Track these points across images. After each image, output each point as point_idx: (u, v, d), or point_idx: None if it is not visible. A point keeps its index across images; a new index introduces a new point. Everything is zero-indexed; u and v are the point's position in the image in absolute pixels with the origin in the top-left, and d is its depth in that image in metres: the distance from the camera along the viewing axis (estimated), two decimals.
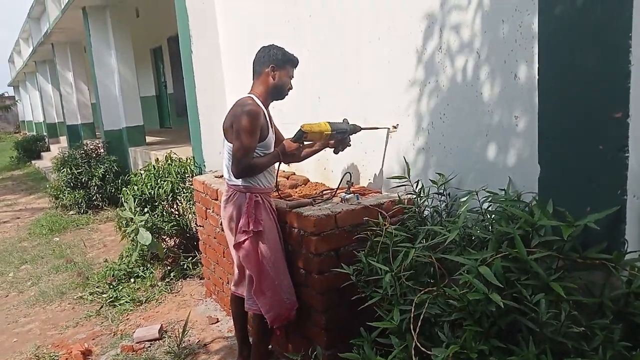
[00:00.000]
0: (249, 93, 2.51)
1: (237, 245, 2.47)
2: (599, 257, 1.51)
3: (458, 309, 1.57)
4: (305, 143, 2.57)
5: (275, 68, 2.47)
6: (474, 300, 1.49)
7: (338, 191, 2.75)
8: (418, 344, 1.53)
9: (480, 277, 1.50)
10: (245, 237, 2.43)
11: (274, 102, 2.60)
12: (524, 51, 1.90)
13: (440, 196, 2.29)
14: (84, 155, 7.74)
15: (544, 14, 1.68)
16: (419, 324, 1.58)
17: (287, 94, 2.58)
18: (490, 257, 1.55)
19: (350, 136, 2.68)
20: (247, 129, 2.34)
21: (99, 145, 8.25)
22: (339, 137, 2.61)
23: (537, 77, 1.74)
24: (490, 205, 1.96)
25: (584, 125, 1.57)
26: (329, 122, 2.56)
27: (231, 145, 2.44)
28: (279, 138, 2.70)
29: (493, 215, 1.87)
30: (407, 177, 2.40)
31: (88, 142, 8.47)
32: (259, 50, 2.53)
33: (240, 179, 2.45)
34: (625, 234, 1.54)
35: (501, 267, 1.52)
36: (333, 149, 2.70)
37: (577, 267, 1.55)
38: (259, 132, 2.40)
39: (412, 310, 1.63)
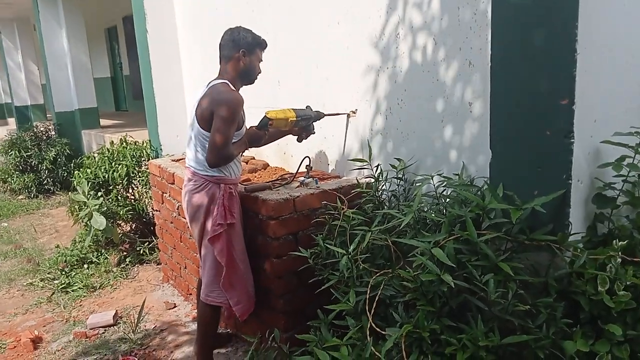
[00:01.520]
0: (219, 78, 2.42)
1: (213, 239, 2.40)
2: (544, 239, 1.58)
3: (412, 290, 1.61)
4: (270, 130, 2.53)
5: (245, 53, 2.41)
6: (427, 281, 1.53)
7: (297, 175, 2.75)
8: (373, 324, 1.56)
9: (433, 258, 1.54)
10: (220, 231, 2.37)
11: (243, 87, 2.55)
12: (479, 38, 1.93)
13: (398, 181, 2.33)
14: (33, 137, 7.40)
15: (497, 1, 1.71)
16: (374, 306, 1.61)
17: (256, 78, 2.53)
18: (443, 240, 1.59)
19: (314, 123, 2.66)
20: (229, 119, 2.27)
21: (50, 127, 7.90)
22: (303, 123, 2.58)
23: (489, 64, 1.78)
24: (445, 189, 2.00)
25: (532, 111, 1.62)
26: (293, 109, 2.53)
27: (205, 132, 2.34)
28: None
29: (447, 200, 1.92)
30: (368, 160, 2.42)
31: (38, 124, 8.10)
32: (226, 33, 2.45)
33: (212, 169, 2.37)
34: (570, 217, 1.61)
35: (453, 249, 1.56)
36: (296, 137, 2.67)
37: (525, 248, 1.62)
38: (237, 122, 2.34)
39: (368, 292, 1.66)
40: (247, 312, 2.52)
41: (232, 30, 2.45)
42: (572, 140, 1.55)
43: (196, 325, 2.85)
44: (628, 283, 1.46)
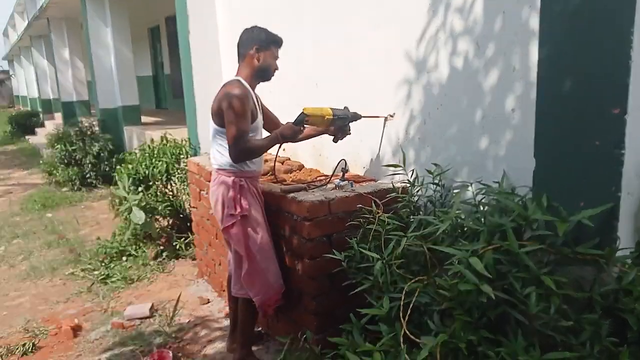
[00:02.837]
0: (235, 76, 2.47)
1: (226, 230, 2.48)
2: (590, 253, 1.52)
3: (448, 298, 1.58)
4: (306, 127, 2.54)
5: (259, 49, 2.43)
6: (465, 290, 1.49)
7: (332, 178, 2.74)
8: (407, 331, 1.54)
9: (470, 268, 1.50)
10: (233, 221, 2.44)
11: (265, 84, 2.56)
12: (524, 43, 1.88)
13: (434, 186, 2.29)
14: (78, 132, 7.67)
15: (546, 5, 1.66)
16: (409, 312, 1.59)
17: (273, 75, 2.54)
18: (481, 249, 1.55)
19: (350, 124, 2.65)
20: (239, 113, 2.30)
21: (94, 123, 8.18)
22: (339, 123, 2.56)
23: (535, 70, 1.72)
24: (484, 197, 1.96)
25: (581, 120, 1.57)
26: (330, 107, 2.53)
27: (218, 127, 2.42)
28: (271, 119, 2.69)
29: (486, 208, 1.87)
30: (403, 165, 2.39)
31: (83, 120, 8.39)
32: (242, 33, 2.49)
33: (227, 162, 2.43)
34: (618, 231, 1.55)
35: (492, 259, 1.52)
36: (332, 137, 2.67)
37: (569, 261, 1.56)
38: (250, 115, 2.37)
39: (402, 298, 1.64)
40: (267, 304, 2.54)
41: (247, 30, 2.49)
42: (622, 152, 1.48)
43: (228, 321, 2.90)
44: None
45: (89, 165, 7.38)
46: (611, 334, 1.43)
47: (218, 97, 2.40)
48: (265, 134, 2.59)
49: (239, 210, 2.42)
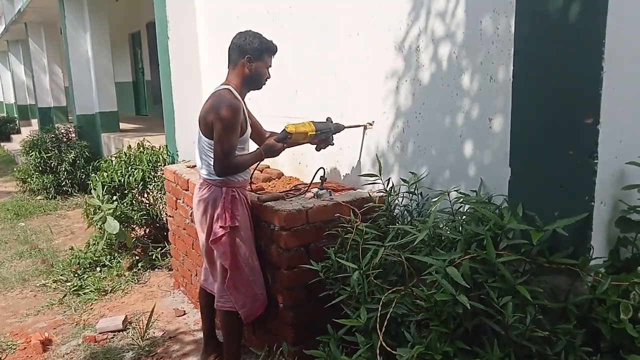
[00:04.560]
0: (224, 84, 2.42)
1: (215, 241, 2.40)
2: (565, 262, 1.52)
3: (425, 309, 1.56)
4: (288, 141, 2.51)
5: (251, 59, 2.37)
6: (441, 301, 1.48)
7: (311, 186, 2.72)
8: (384, 343, 1.51)
9: (448, 277, 1.49)
10: (223, 233, 2.37)
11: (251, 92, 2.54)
12: (501, 53, 1.89)
13: (411, 195, 2.28)
14: (54, 139, 7.53)
15: (521, 15, 1.67)
16: (386, 323, 1.57)
17: (264, 84, 2.50)
18: (458, 258, 1.54)
19: (334, 135, 2.63)
20: (229, 127, 2.25)
21: (71, 129, 8.03)
22: (322, 137, 2.56)
23: (511, 79, 1.73)
24: (461, 206, 1.95)
25: (555, 130, 1.57)
26: (313, 122, 2.50)
27: (206, 139, 2.36)
28: (256, 127, 2.64)
29: (463, 217, 1.87)
30: (379, 175, 2.38)
31: (60, 126, 8.24)
32: (235, 37, 2.43)
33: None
34: (591, 240, 1.55)
35: (469, 268, 1.51)
36: (315, 146, 2.65)
37: (544, 271, 1.56)
38: (240, 129, 2.33)
39: (379, 309, 1.62)
40: (253, 316, 2.49)
41: (240, 35, 2.42)
42: (596, 161, 1.49)
43: (202, 334, 2.83)
44: None
45: (65, 173, 7.22)
46: (585, 343, 1.43)
47: (207, 107, 2.34)
48: (253, 145, 2.56)
49: (228, 222, 2.36)
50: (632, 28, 1.51)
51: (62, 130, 7.87)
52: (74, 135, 7.93)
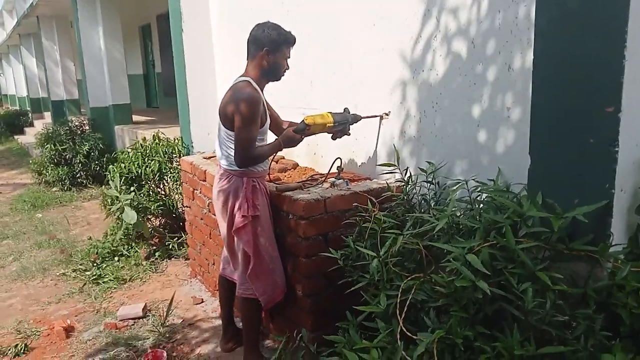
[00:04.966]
0: (243, 75, 2.44)
1: (238, 230, 2.44)
2: (584, 249, 1.53)
3: (444, 295, 1.58)
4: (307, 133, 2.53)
5: (269, 51, 2.39)
6: (461, 287, 1.51)
7: (328, 176, 2.75)
8: (404, 328, 1.54)
9: (467, 264, 1.52)
10: (245, 222, 2.41)
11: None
12: (519, 42, 1.90)
13: (429, 184, 2.31)
14: (68, 131, 7.61)
15: (542, 4, 1.67)
16: (405, 309, 1.60)
17: (283, 75, 2.52)
18: (477, 246, 1.57)
19: (351, 126, 2.65)
20: (249, 119, 2.28)
21: (84, 122, 8.11)
22: (340, 127, 2.59)
23: (531, 68, 1.74)
24: (479, 195, 1.97)
25: (576, 118, 1.59)
26: (331, 113, 2.53)
27: (226, 130, 2.40)
28: (275, 118, 2.67)
29: (481, 205, 1.89)
30: (397, 164, 2.40)
31: (73, 119, 8.32)
32: (254, 28, 2.44)
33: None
34: (611, 227, 1.57)
35: (488, 255, 1.53)
36: (331, 135, 2.67)
37: (563, 257, 1.58)
38: (260, 120, 2.36)
39: (399, 295, 1.65)
40: (272, 302, 2.54)
41: (259, 27, 2.43)
42: (616, 149, 1.50)
43: (220, 321, 2.88)
44: None
45: (79, 165, 7.31)
46: (604, 328, 1.45)
47: (227, 99, 2.37)
48: (271, 135, 2.60)
49: (250, 211, 2.40)
50: None
51: (76, 123, 7.94)
52: (87, 127, 8.00)
